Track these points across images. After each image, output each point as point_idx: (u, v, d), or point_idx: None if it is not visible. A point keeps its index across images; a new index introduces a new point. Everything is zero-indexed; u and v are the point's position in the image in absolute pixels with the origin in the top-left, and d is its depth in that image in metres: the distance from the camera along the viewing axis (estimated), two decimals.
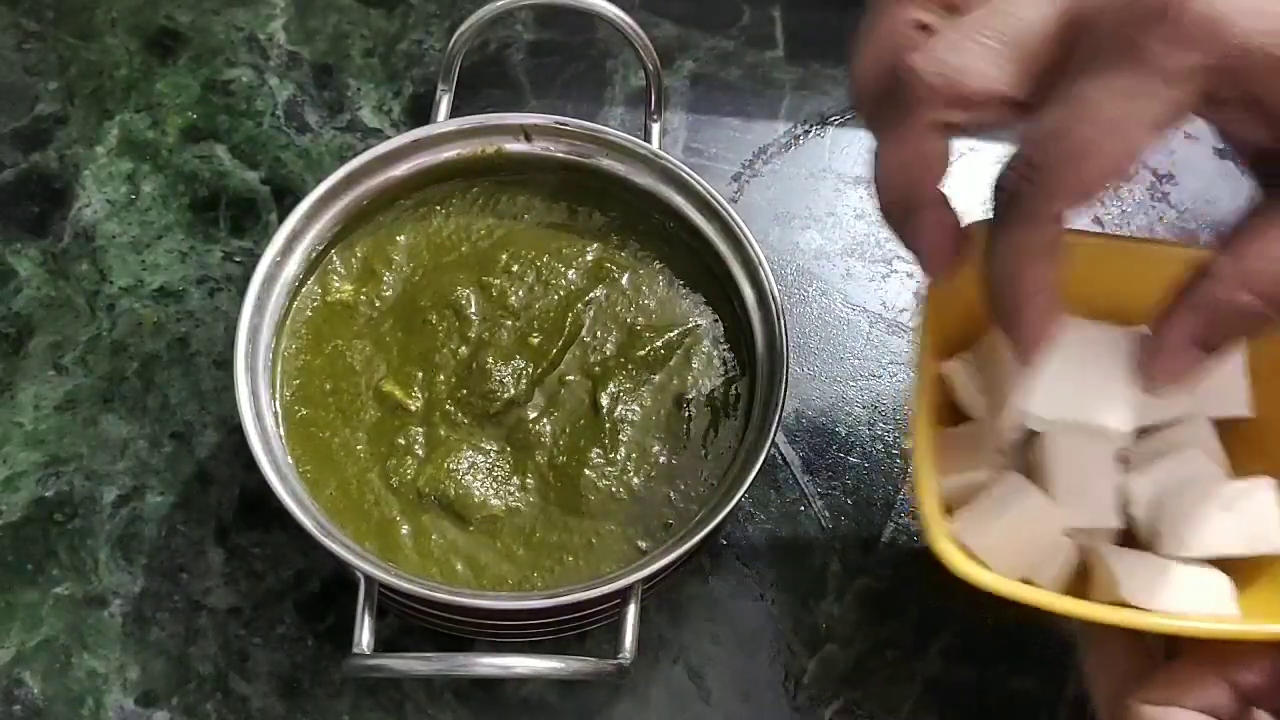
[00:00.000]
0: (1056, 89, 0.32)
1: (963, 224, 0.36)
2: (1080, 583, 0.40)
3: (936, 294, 0.40)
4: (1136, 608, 0.37)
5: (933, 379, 0.40)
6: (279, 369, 0.44)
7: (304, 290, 0.46)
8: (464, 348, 0.45)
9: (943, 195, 0.35)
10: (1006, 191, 0.33)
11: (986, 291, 0.35)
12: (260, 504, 0.47)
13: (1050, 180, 0.32)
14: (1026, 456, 0.41)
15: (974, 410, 0.43)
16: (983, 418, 0.42)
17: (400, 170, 0.47)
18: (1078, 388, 0.38)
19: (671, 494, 0.43)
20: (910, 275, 0.54)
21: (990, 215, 0.34)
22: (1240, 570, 0.39)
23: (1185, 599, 0.38)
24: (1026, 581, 0.39)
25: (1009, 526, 0.39)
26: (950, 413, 0.43)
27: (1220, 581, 0.38)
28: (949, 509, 0.40)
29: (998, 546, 0.38)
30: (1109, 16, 0.31)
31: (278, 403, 0.44)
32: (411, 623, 0.45)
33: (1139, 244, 0.49)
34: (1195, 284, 0.34)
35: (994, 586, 0.37)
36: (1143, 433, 0.41)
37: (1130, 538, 0.40)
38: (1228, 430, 0.41)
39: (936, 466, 0.39)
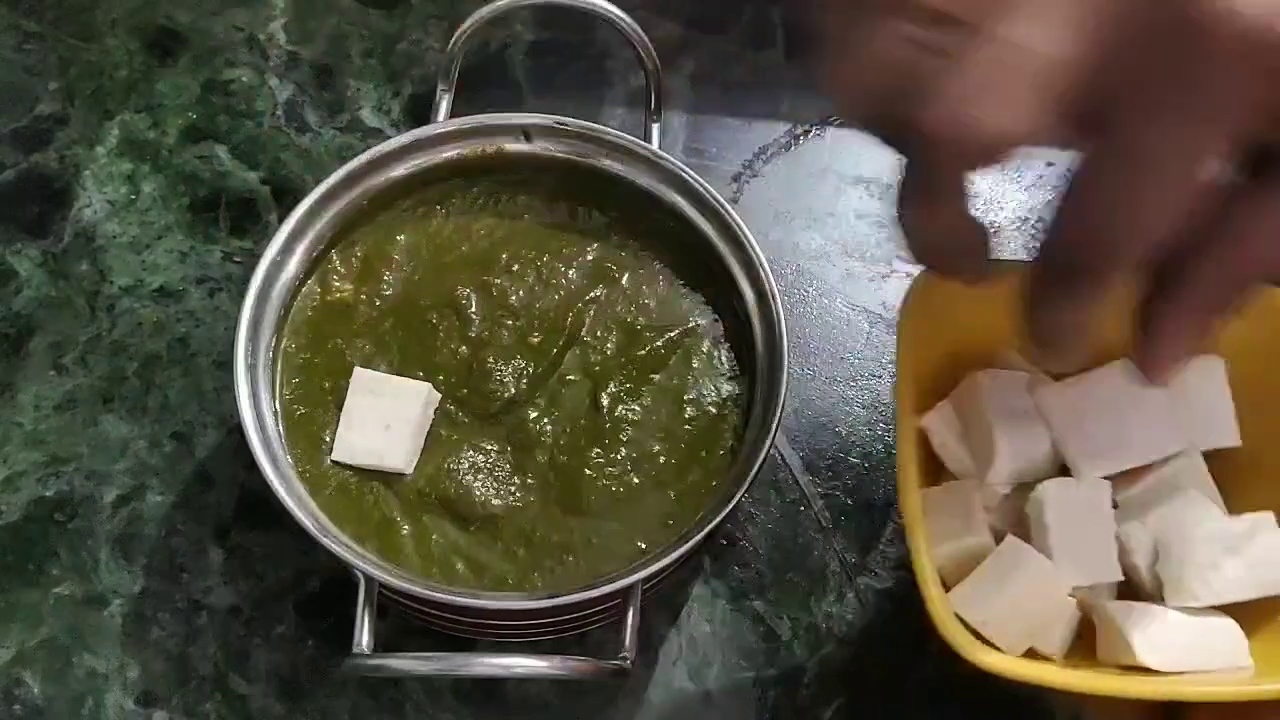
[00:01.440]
0: (1102, 132, 0.28)
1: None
2: (1085, 640, 0.39)
3: (909, 344, 0.38)
4: (1148, 668, 0.36)
5: (915, 436, 0.39)
6: (279, 368, 0.44)
7: (304, 290, 0.46)
8: (464, 347, 0.45)
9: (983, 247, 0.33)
10: (1061, 256, 0.30)
11: (1035, 334, 0.32)
12: (260, 504, 0.47)
13: (1114, 249, 0.29)
14: (1018, 511, 0.40)
15: (955, 465, 0.41)
16: (967, 474, 0.41)
17: (400, 170, 0.47)
18: (373, 435, 0.42)
19: (671, 494, 0.43)
20: (909, 275, 0.54)
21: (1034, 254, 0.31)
22: (1247, 614, 0.38)
23: (1198, 654, 0.37)
24: (1032, 651, 0.38)
25: (1013, 599, 0.37)
26: (931, 468, 0.41)
27: (1232, 631, 0.37)
28: (944, 580, 0.38)
29: (1002, 620, 0.37)
30: (1146, 47, 0.27)
31: (278, 403, 0.44)
32: (411, 623, 0.45)
33: None
34: (1184, 272, 0.31)
35: (1009, 670, 0.36)
36: (1134, 474, 0.39)
37: (1130, 587, 0.39)
38: (1216, 463, 0.40)
39: (929, 537, 0.37)
